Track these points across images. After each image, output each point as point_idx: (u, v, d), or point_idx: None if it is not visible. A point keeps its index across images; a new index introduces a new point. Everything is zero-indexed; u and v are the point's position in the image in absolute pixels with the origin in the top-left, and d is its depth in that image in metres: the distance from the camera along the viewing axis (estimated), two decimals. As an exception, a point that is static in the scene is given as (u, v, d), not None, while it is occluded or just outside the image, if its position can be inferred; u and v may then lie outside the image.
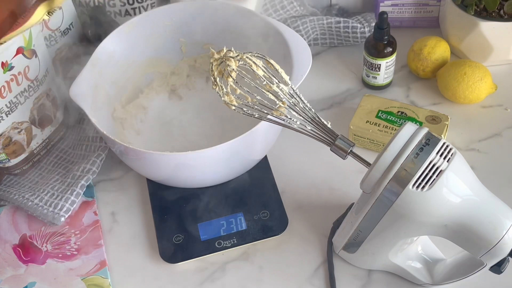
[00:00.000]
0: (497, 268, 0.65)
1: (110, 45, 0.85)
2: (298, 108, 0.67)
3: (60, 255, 0.80)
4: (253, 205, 0.81)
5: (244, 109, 0.68)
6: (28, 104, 0.84)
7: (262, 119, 0.68)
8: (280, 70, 0.69)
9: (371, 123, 0.86)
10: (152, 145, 0.88)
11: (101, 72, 0.85)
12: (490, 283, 0.73)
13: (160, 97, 0.94)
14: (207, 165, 0.75)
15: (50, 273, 0.79)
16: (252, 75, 0.67)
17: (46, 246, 0.81)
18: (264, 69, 0.67)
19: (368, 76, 0.94)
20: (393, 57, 0.91)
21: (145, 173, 0.81)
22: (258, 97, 0.68)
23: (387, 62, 0.91)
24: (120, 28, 0.86)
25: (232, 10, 0.88)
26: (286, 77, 0.69)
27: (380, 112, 0.87)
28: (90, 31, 0.93)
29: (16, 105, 0.82)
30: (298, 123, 0.67)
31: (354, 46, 1.01)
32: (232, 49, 0.68)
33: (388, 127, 0.85)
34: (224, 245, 0.78)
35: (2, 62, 0.77)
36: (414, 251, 0.73)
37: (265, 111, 0.69)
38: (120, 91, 0.90)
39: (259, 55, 0.69)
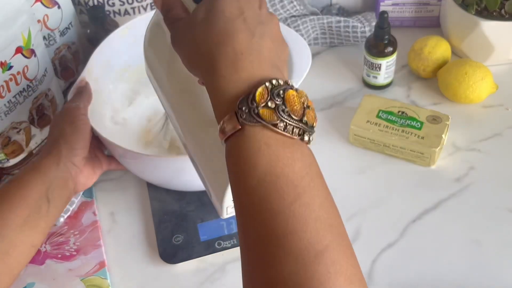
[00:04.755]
0: None
1: (106, 49, 0.85)
2: None
3: (59, 256, 0.80)
4: (253, 205, 0.81)
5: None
6: (27, 104, 0.83)
7: None
8: None
9: (372, 123, 0.86)
10: (155, 149, 0.87)
11: (97, 78, 0.84)
12: (491, 283, 0.73)
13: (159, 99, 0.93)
14: None
15: (49, 274, 0.78)
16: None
17: (45, 247, 0.81)
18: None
19: (369, 76, 0.93)
20: (394, 56, 0.91)
21: (145, 176, 0.81)
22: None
23: (387, 62, 0.90)
24: (115, 32, 0.86)
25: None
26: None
27: (381, 112, 0.87)
28: (89, 30, 0.93)
29: (15, 105, 0.81)
30: None
31: (355, 46, 1.01)
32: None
33: (388, 127, 0.85)
34: (224, 245, 0.78)
35: (1, 62, 0.77)
36: None
37: None
38: (118, 95, 0.90)
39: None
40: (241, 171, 0.44)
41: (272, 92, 0.43)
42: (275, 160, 0.42)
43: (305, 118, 0.44)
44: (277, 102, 0.43)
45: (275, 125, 0.43)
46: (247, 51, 0.46)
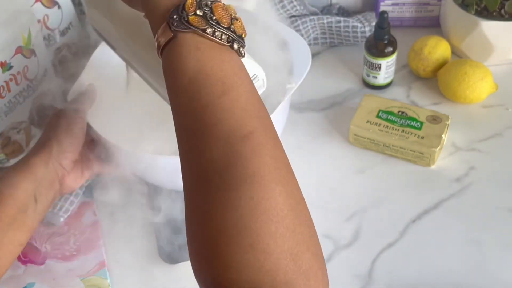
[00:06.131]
0: None
1: (106, 49, 0.85)
2: None
3: (59, 256, 0.80)
4: (253, 205, 0.81)
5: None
6: (27, 104, 0.83)
7: None
8: None
9: (372, 123, 0.86)
10: (155, 149, 0.87)
11: (98, 78, 0.84)
12: (491, 283, 0.73)
13: (160, 98, 0.93)
14: None
15: (49, 274, 0.78)
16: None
17: (45, 247, 0.81)
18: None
19: (369, 76, 0.93)
20: (394, 56, 0.91)
21: (146, 176, 0.80)
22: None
23: (387, 62, 0.90)
24: None
25: (232, 9, 0.87)
26: None
27: (381, 112, 0.87)
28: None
29: (15, 105, 0.82)
30: None
31: (354, 46, 1.01)
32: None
33: (388, 127, 0.85)
34: (224, 245, 0.77)
35: (1, 62, 0.77)
36: None
37: None
38: (119, 94, 0.90)
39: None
40: (174, 73, 0.48)
41: (200, 3, 0.48)
42: (204, 60, 0.47)
43: (232, 27, 0.49)
44: (205, 11, 0.48)
45: (204, 31, 0.47)
46: None
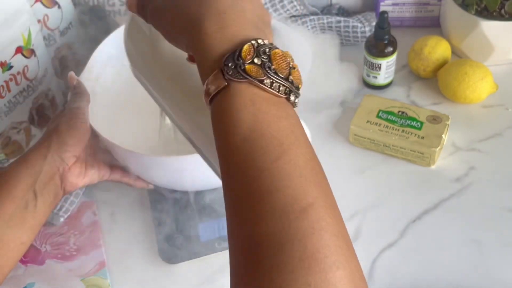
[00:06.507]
0: None
1: (106, 49, 0.85)
2: None
3: (59, 256, 0.80)
4: (253, 205, 0.81)
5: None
6: (27, 104, 0.83)
7: None
8: None
9: (372, 123, 0.86)
10: (155, 149, 0.87)
11: (98, 78, 0.84)
12: (491, 283, 0.73)
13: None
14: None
15: (49, 274, 0.78)
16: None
17: (45, 247, 0.81)
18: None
19: (369, 76, 0.93)
20: (394, 56, 0.91)
21: (146, 177, 0.80)
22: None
23: (387, 62, 0.90)
24: (116, 33, 0.86)
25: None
26: None
27: (381, 112, 0.87)
28: (89, 30, 0.93)
29: (15, 104, 0.82)
30: None
31: (355, 46, 1.01)
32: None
33: (388, 127, 0.85)
34: (224, 245, 0.78)
35: (1, 62, 0.77)
36: None
37: None
38: (118, 95, 0.90)
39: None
40: (225, 129, 0.43)
41: (258, 50, 0.43)
42: (260, 117, 0.42)
43: (291, 77, 0.44)
44: (263, 59, 0.43)
45: (261, 82, 0.43)
46: (230, 10, 0.46)
